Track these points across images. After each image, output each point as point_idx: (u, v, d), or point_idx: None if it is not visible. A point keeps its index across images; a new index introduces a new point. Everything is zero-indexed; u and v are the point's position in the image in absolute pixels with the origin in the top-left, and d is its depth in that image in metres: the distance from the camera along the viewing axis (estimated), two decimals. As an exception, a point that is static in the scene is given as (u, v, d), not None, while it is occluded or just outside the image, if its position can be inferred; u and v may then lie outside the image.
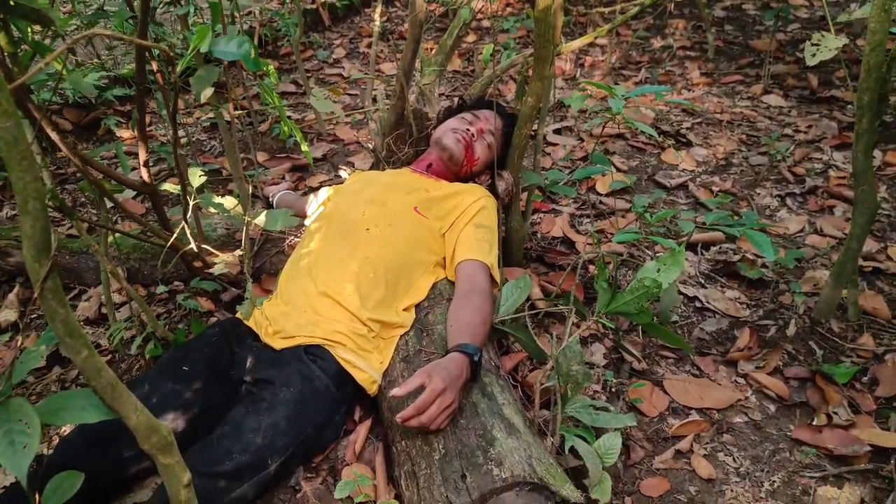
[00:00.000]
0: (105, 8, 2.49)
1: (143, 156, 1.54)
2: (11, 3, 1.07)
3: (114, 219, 2.55)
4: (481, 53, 4.53)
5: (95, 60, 3.71)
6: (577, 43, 2.21)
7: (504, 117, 2.26)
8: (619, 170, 3.07)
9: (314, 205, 2.29)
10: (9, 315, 2.16)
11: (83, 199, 2.89)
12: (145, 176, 1.59)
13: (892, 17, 1.62)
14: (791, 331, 2.05)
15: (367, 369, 1.68)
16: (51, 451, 1.50)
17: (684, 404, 1.83)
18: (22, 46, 1.39)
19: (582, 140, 3.39)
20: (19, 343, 2.03)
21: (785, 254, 2.25)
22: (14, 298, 2.22)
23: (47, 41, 1.82)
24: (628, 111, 3.47)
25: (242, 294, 2.19)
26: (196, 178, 1.65)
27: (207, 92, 1.47)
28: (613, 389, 1.85)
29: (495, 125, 2.22)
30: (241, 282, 2.21)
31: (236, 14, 3.03)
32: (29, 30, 1.24)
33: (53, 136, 1.26)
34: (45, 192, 0.78)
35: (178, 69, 1.13)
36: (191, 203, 1.67)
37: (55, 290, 0.85)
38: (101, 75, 3.57)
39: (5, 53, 1.23)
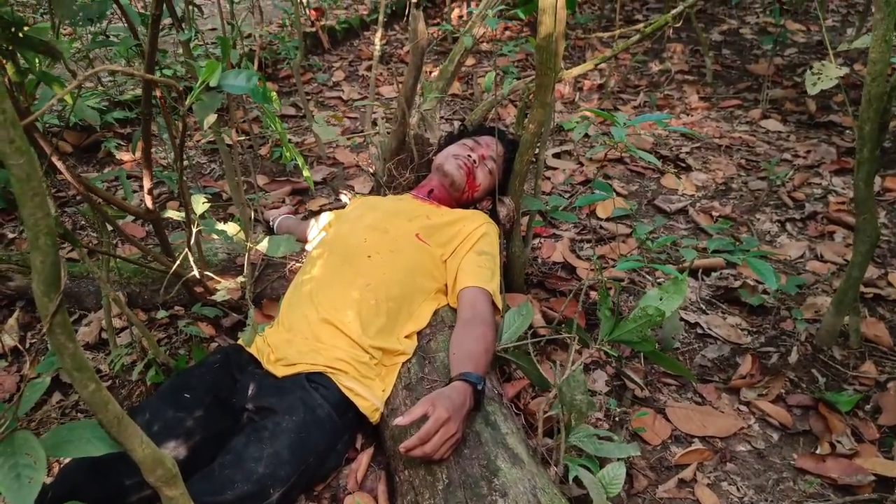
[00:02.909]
0: (108, 34, 2.51)
1: (147, 183, 1.54)
2: (20, 35, 1.08)
3: (114, 242, 2.55)
4: (481, 77, 4.57)
5: (99, 87, 3.72)
6: (578, 70, 2.23)
7: (505, 143, 2.27)
8: (619, 194, 3.08)
9: (315, 230, 2.29)
10: (8, 340, 2.15)
11: (83, 222, 2.89)
12: (149, 203, 1.59)
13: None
14: (793, 358, 2.05)
15: (369, 397, 1.68)
16: (52, 479, 1.48)
17: (687, 432, 1.83)
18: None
19: (582, 164, 3.40)
20: (26, 372, 2.02)
21: (786, 280, 2.26)
22: (14, 323, 2.21)
23: (48, 66, 1.82)
24: (628, 137, 3.49)
25: (244, 320, 2.19)
26: (199, 205, 1.65)
27: (211, 118, 1.48)
28: (617, 418, 1.84)
29: (497, 151, 2.22)
30: (243, 307, 2.21)
31: (237, 39, 3.05)
32: (36, 60, 1.25)
33: (60, 165, 1.26)
34: (55, 228, 0.78)
35: (187, 103, 1.14)
36: (194, 230, 1.67)
37: (64, 324, 0.85)
38: (101, 98, 3.59)
39: (12, 83, 1.24)
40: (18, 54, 1.21)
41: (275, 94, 1.65)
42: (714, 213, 2.91)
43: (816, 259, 2.58)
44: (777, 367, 2.04)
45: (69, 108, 1.60)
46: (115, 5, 1.64)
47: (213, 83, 1.14)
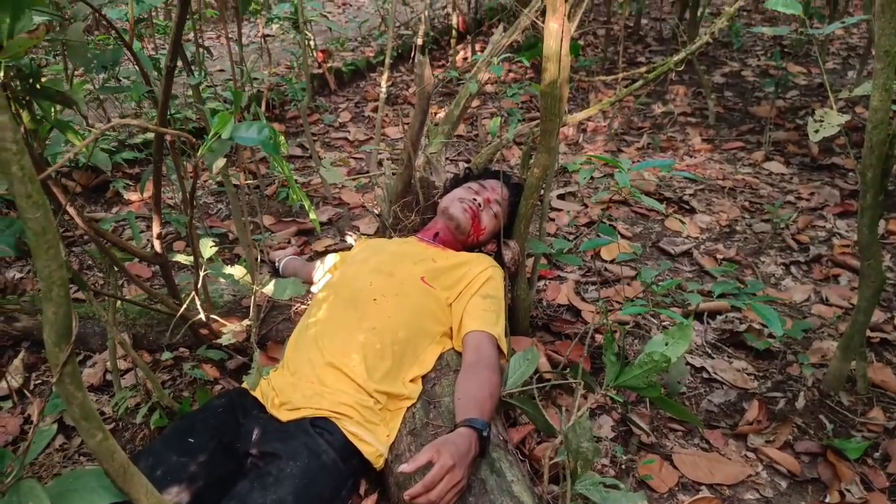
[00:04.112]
0: (119, 77, 2.55)
1: (156, 228, 1.55)
2: (37, 85, 1.10)
3: (120, 283, 2.56)
4: (486, 119, 4.62)
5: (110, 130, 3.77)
6: (583, 115, 2.26)
7: (510, 187, 2.29)
8: (623, 236, 3.09)
9: (320, 271, 2.30)
10: (13, 381, 2.15)
11: (90, 262, 2.90)
12: (157, 247, 1.60)
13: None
14: (800, 403, 2.04)
15: (373, 442, 1.67)
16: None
17: (694, 480, 1.81)
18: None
19: (586, 206, 3.42)
20: (31, 414, 2.02)
21: (792, 325, 2.25)
22: (19, 364, 2.21)
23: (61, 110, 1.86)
24: (632, 180, 3.51)
25: (248, 362, 2.19)
26: (207, 249, 1.66)
27: (219, 163, 1.50)
28: (623, 466, 1.83)
29: (502, 195, 2.24)
30: (247, 349, 2.21)
31: (247, 83, 3.10)
32: (52, 109, 1.27)
33: (72, 212, 1.28)
34: (67, 279, 0.79)
35: (199, 154, 1.15)
36: (201, 274, 1.68)
37: (73, 374, 0.85)
38: (111, 140, 3.63)
39: (27, 130, 1.26)
40: (35, 103, 1.24)
41: (282, 137, 1.67)
42: (718, 256, 2.91)
43: (822, 302, 2.57)
44: (784, 413, 2.02)
45: (82, 153, 1.63)
46: (127, 51, 1.66)
47: (225, 136, 1.15)
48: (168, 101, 1.26)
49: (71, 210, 1.28)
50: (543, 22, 1.79)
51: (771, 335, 2.35)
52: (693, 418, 1.82)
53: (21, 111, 1.20)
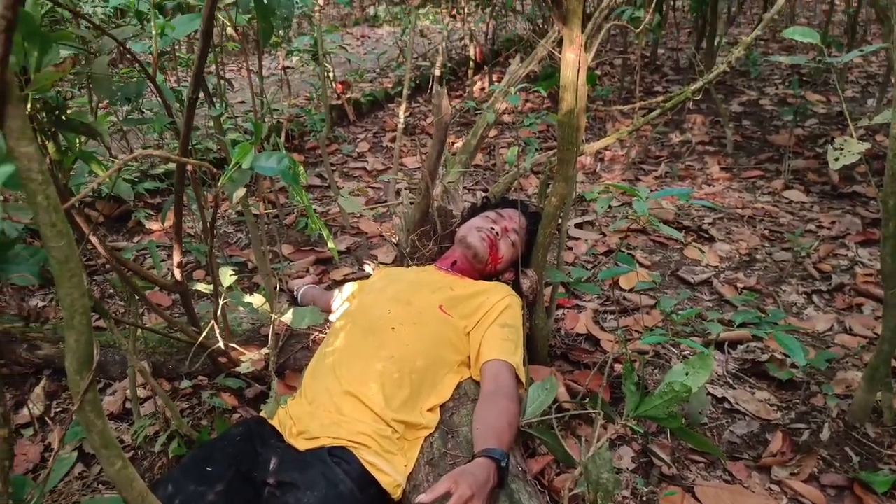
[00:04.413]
0: (142, 109, 2.60)
1: (177, 257, 1.57)
2: (63, 117, 1.13)
3: (141, 311, 2.58)
4: (503, 148, 4.64)
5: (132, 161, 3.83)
6: (600, 144, 2.26)
7: (528, 215, 2.29)
8: (641, 265, 3.08)
9: (339, 300, 2.31)
10: (34, 409, 2.16)
11: (111, 291, 2.93)
12: (178, 276, 1.61)
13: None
14: (825, 435, 2.00)
15: (391, 472, 1.66)
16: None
17: (717, 512, 1.78)
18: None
19: (604, 234, 3.41)
20: (51, 442, 2.03)
21: (815, 355, 2.22)
22: (41, 392, 2.23)
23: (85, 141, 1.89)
24: (650, 209, 3.50)
25: (266, 390, 2.19)
26: (227, 277, 1.68)
27: (240, 192, 1.52)
28: (644, 498, 1.80)
29: (519, 224, 2.24)
30: (266, 378, 2.21)
31: (266, 115, 3.14)
32: (77, 140, 1.30)
33: (95, 241, 1.30)
34: (89, 307, 0.80)
35: (220, 183, 1.17)
36: (220, 303, 1.69)
37: (94, 402, 0.86)
38: (133, 170, 3.69)
39: (52, 161, 1.28)
40: (60, 134, 1.26)
41: (301, 167, 1.69)
42: (739, 285, 2.89)
43: (845, 332, 2.54)
44: (809, 445, 1.99)
45: (105, 183, 1.65)
46: (150, 84, 1.70)
47: (245, 166, 1.17)
48: (190, 132, 1.28)
49: (93, 239, 1.30)
50: (560, 52, 1.80)
51: (794, 365, 2.31)
52: (715, 449, 1.79)
53: (47, 142, 1.23)
